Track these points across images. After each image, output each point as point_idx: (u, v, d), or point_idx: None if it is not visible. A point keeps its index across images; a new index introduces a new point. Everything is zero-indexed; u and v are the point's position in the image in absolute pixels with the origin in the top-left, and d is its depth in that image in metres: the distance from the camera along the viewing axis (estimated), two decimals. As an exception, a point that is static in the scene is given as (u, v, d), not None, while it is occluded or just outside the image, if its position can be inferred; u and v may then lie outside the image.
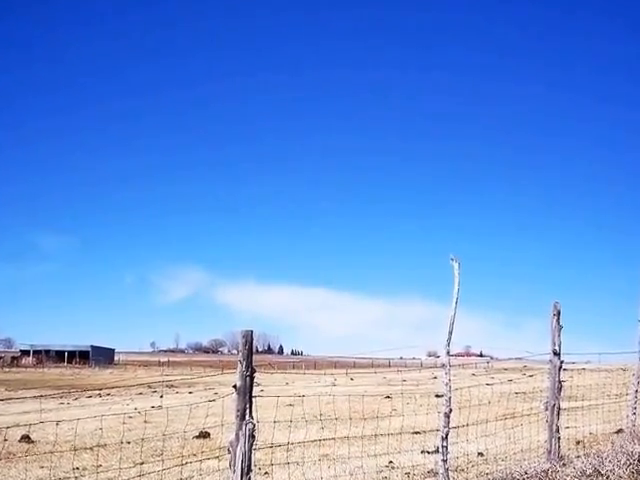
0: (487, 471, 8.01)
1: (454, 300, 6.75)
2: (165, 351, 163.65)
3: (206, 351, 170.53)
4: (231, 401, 5.47)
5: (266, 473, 8.46)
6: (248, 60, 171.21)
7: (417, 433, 11.66)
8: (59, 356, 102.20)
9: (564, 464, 7.63)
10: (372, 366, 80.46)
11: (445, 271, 6.80)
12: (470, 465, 8.56)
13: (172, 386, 37.58)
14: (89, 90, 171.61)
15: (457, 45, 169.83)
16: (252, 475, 5.39)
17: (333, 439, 10.09)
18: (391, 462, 9.10)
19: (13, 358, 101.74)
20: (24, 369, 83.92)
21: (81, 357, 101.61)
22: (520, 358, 11.98)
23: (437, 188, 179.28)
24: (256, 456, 5.79)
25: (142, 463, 10.00)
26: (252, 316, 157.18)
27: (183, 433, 11.03)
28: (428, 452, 9.52)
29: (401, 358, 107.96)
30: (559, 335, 8.08)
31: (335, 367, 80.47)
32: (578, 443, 9.54)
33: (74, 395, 30.96)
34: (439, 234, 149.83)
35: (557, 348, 8.05)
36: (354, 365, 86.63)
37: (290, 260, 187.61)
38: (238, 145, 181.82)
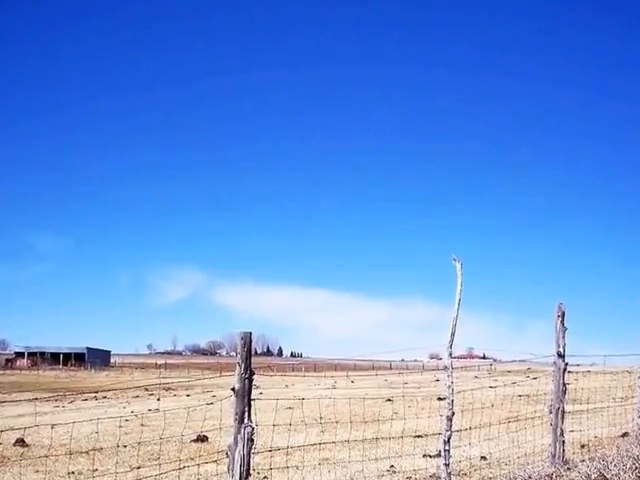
0: (490, 475, 7.91)
1: (457, 301, 6.67)
2: (162, 353, 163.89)
3: (204, 353, 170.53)
4: (229, 404, 5.38)
5: (265, 477, 8.33)
6: (246, 57, 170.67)
7: (419, 437, 11.52)
8: (54, 358, 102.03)
9: (568, 468, 7.55)
10: (373, 368, 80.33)
11: (447, 272, 6.74)
12: (473, 469, 8.47)
13: (169, 389, 37.48)
14: (83, 87, 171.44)
15: (459, 42, 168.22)
16: (251, 479, 5.30)
17: (333, 443, 9.96)
18: (392, 466, 9.00)
19: (7, 360, 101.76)
20: (18, 371, 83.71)
21: (77, 359, 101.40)
22: (524, 360, 11.89)
23: (439, 187, 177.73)
24: (255, 460, 5.70)
25: (139, 467, 9.91)
26: (251, 317, 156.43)
27: (180, 437, 10.88)
28: (430, 456, 9.43)
29: (403, 360, 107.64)
30: (563, 337, 8.00)
31: (335, 369, 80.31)
32: (583, 447, 9.43)
33: (69, 398, 30.78)
34: (441, 234, 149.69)
35: (561, 350, 7.97)
36: (355, 367, 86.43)
37: (289, 260, 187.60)
38: (236, 143, 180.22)
